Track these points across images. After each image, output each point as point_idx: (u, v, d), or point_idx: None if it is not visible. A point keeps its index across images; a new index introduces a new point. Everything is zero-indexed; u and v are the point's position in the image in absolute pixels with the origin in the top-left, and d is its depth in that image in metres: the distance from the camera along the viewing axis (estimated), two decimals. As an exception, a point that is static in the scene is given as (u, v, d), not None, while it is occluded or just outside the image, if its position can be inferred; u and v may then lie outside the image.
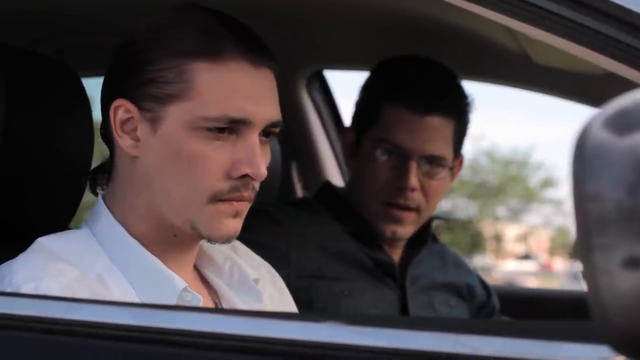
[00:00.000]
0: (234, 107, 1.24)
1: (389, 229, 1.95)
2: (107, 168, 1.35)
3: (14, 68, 1.35)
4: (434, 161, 1.93)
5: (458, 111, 1.97)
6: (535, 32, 1.07)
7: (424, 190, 1.93)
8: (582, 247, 0.72)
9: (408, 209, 1.93)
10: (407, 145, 1.92)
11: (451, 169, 1.98)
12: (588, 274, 0.72)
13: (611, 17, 1.00)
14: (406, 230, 1.96)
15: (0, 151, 1.31)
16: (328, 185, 2.17)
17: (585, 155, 0.71)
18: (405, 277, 2.00)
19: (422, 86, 1.95)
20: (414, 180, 1.90)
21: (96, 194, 1.37)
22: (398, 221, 1.94)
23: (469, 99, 2.01)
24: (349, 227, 1.98)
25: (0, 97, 1.31)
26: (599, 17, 1.01)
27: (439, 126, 1.93)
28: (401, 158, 1.92)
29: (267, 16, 1.88)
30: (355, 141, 2.02)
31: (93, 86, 1.90)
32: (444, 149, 1.94)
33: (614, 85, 1.33)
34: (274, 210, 1.97)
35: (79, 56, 2.34)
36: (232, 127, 1.25)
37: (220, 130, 1.24)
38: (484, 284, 2.23)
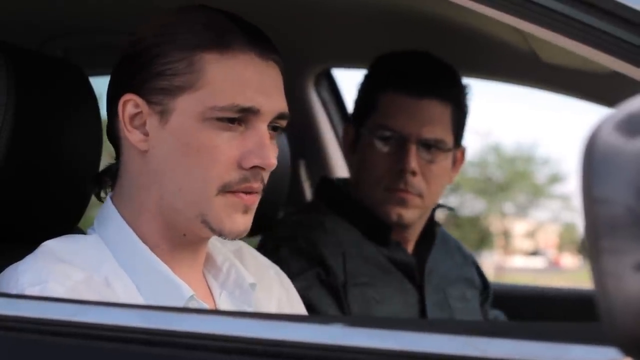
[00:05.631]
0: (243, 97, 1.25)
1: (394, 212, 1.95)
2: (114, 171, 1.35)
3: (22, 69, 1.35)
4: (433, 145, 1.94)
5: (455, 96, 1.99)
6: (541, 32, 1.07)
7: (425, 176, 1.94)
8: (591, 251, 0.71)
9: (410, 193, 1.94)
10: (405, 130, 1.93)
11: (452, 154, 1.98)
12: (597, 277, 0.72)
13: (616, 16, 1.00)
14: (411, 213, 1.96)
15: (9, 152, 1.32)
16: (330, 185, 2.14)
17: (594, 159, 0.70)
18: (423, 278, 2.01)
19: (418, 71, 1.97)
20: (413, 162, 1.91)
21: (100, 199, 1.37)
22: (402, 203, 1.94)
23: (466, 86, 2.03)
24: (360, 225, 1.98)
25: (9, 98, 1.31)
26: (604, 16, 1.01)
27: (436, 110, 1.95)
28: (400, 143, 1.93)
29: (273, 14, 1.88)
30: (355, 136, 2.02)
31: (101, 85, 1.90)
32: (443, 133, 1.95)
33: (620, 84, 1.33)
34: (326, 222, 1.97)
35: (86, 55, 2.35)
36: (241, 118, 1.26)
37: (230, 120, 1.25)
38: (479, 270, 2.23)
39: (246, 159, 1.26)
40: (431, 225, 2.08)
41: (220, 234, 1.28)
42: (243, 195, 1.27)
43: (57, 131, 1.40)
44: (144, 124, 1.28)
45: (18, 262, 1.24)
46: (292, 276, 1.69)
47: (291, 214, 2.08)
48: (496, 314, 2.30)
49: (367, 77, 2.07)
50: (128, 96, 1.28)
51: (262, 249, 1.60)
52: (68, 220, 1.45)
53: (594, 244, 0.71)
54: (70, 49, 2.32)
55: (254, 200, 1.29)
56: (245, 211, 1.28)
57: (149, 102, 1.27)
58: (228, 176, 1.26)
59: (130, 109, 1.28)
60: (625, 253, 0.69)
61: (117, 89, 1.30)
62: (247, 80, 1.26)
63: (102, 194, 1.37)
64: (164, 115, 1.26)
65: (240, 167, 1.26)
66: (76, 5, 2.07)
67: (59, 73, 1.45)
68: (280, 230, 1.96)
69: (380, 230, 1.97)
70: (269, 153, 1.26)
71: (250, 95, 1.26)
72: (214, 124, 1.25)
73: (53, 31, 2.24)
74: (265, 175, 1.29)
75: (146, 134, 1.28)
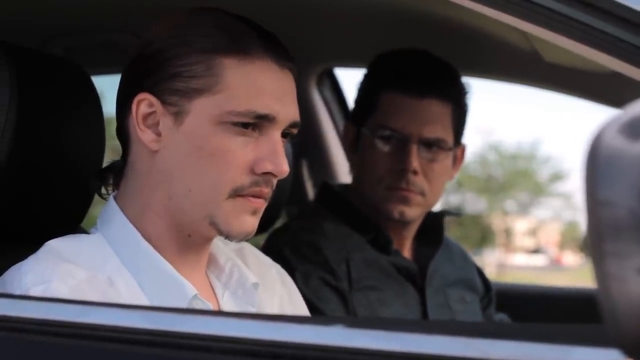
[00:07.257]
0: (260, 104, 1.26)
1: (396, 210, 1.95)
2: (117, 168, 1.35)
3: (24, 69, 1.35)
4: (434, 144, 1.95)
5: (455, 95, 2.00)
6: (539, 32, 1.07)
7: (426, 175, 1.94)
8: (595, 253, 0.71)
9: (412, 191, 1.94)
10: (405, 129, 1.93)
11: (452, 154, 1.98)
12: (600, 280, 0.72)
13: (614, 16, 1.00)
14: (413, 211, 1.96)
15: (11, 152, 1.32)
16: (330, 191, 2.15)
17: (598, 161, 0.70)
18: (424, 281, 2.01)
19: (418, 70, 1.98)
20: (414, 162, 1.92)
21: (102, 196, 1.37)
22: (404, 201, 1.94)
23: (466, 84, 2.03)
24: (361, 232, 1.98)
25: (11, 98, 1.31)
26: (602, 16, 1.01)
27: (436, 109, 1.95)
28: (401, 142, 1.94)
29: (275, 14, 1.88)
30: (355, 135, 2.02)
31: (102, 84, 1.90)
32: (443, 133, 1.95)
33: (622, 84, 1.33)
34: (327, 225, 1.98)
35: (87, 54, 2.34)
36: (256, 124, 1.26)
37: (245, 125, 1.26)
38: (482, 275, 2.23)
39: (259, 164, 1.26)
40: (436, 228, 2.08)
41: (228, 236, 1.29)
42: (252, 198, 1.27)
43: (60, 130, 1.40)
44: (157, 123, 1.28)
45: (21, 262, 1.24)
46: (298, 281, 1.69)
47: (293, 219, 2.08)
48: (501, 317, 2.30)
49: (366, 76, 2.07)
50: (142, 95, 1.28)
51: (265, 254, 1.60)
52: (71, 219, 1.45)
53: (597, 247, 0.71)
54: (70, 48, 2.32)
55: (263, 204, 1.30)
56: (254, 213, 1.29)
57: (163, 103, 1.27)
58: (240, 180, 1.26)
59: (144, 108, 1.28)
60: (628, 256, 0.69)
61: (130, 88, 1.30)
62: (264, 86, 1.27)
63: (104, 192, 1.37)
64: (178, 116, 1.26)
65: (252, 172, 1.26)
66: (77, 4, 2.07)
67: (61, 72, 1.45)
68: (283, 236, 1.97)
69: (381, 241, 1.98)
70: (282, 160, 1.27)
71: (267, 103, 1.26)
72: (229, 128, 1.25)
73: (54, 30, 2.23)
74: (274, 182, 1.30)
75: (158, 134, 1.28)
